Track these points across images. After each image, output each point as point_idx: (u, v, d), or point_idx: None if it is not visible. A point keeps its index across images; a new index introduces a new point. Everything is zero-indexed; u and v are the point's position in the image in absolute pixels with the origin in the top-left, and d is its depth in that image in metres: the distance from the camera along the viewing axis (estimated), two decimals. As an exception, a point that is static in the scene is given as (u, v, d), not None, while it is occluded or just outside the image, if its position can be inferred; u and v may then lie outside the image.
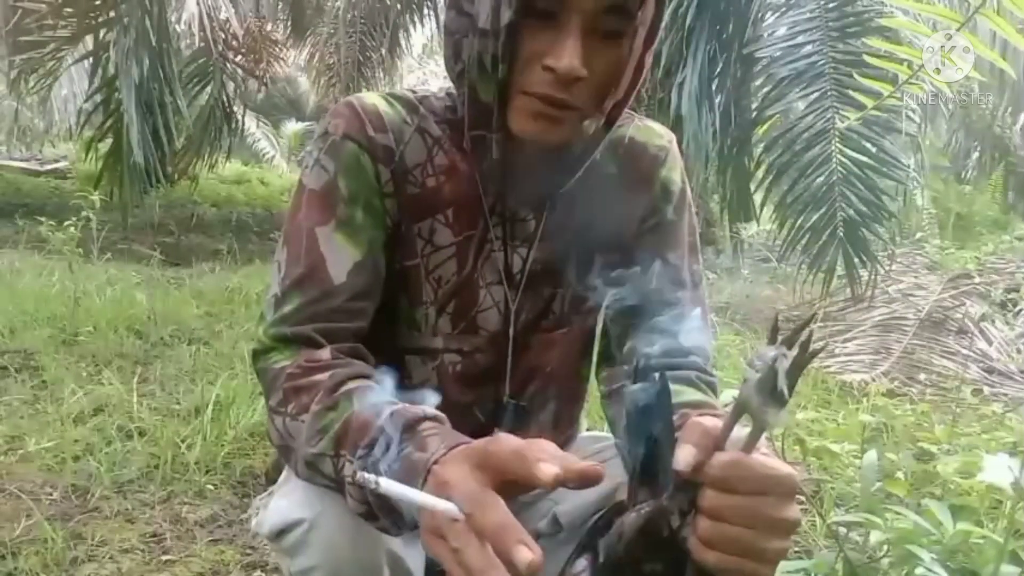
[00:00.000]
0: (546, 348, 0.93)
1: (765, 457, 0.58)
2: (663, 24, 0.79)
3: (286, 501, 0.80)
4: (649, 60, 0.80)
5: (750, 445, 0.56)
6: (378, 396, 0.72)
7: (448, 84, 0.86)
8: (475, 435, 0.65)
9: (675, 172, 0.94)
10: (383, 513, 0.66)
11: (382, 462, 0.64)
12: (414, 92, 0.89)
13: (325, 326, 0.79)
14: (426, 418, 0.67)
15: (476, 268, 0.88)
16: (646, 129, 0.94)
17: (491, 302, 0.89)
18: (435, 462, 0.60)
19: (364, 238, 0.83)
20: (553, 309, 0.92)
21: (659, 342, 0.88)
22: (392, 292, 0.87)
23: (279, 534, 0.79)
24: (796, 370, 0.51)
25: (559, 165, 0.84)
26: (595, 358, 1.00)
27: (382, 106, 0.85)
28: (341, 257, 0.81)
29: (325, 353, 0.77)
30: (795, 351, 0.51)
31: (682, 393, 0.84)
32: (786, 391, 0.51)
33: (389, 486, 0.53)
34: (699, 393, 0.85)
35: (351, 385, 0.73)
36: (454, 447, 0.61)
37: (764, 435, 0.58)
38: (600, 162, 0.86)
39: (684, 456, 0.57)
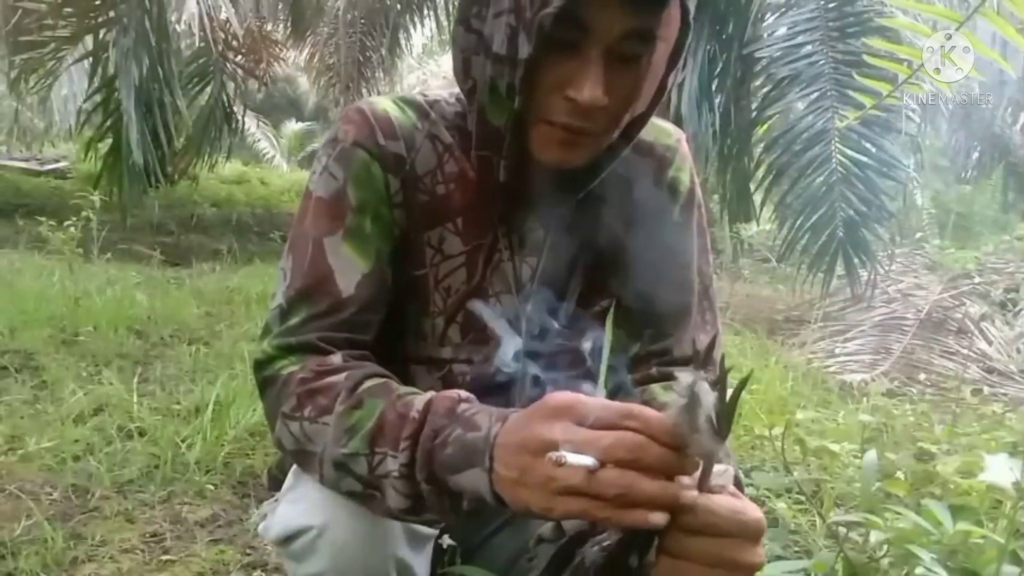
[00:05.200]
0: (556, 356, 0.91)
1: (735, 500, 0.58)
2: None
3: (294, 507, 0.79)
4: (673, 78, 0.79)
5: (704, 479, 0.57)
6: (402, 389, 0.72)
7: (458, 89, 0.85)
8: None
9: (683, 172, 0.92)
10: (438, 502, 0.66)
11: (435, 451, 0.65)
12: (425, 96, 0.88)
13: (332, 336, 0.78)
14: (460, 399, 0.68)
15: (485, 277, 0.86)
16: (654, 128, 0.92)
17: (501, 311, 0.88)
18: (496, 437, 0.61)
19: (372, 249, 0.81)
20: (562, 317, 0.91)
21: (661, 347, 0.89)
22: (399, 302, 0.86)
23: (287, 540, 0.79)
24: (727, 404, 0.52)
25: (571, 179, 0.83)
26: (604, 364, 1.00)
27: (393, 112, 0.83)
28: (349, 268, 0.80)
29: (336, 358, 0.76)
30: (716, 385, 0.53)
31: None
32: (713, 417, 0.52)
33: (572, 458, 0.54)
34: None
35: (371, 383, 0.72)
36: (504, 419, 0.63)
37: (731, 473, 0.58)
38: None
39: None
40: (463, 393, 0.69)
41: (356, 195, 0.81)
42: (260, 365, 0.80)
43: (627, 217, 0.89)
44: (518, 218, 0.86)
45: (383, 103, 0.84)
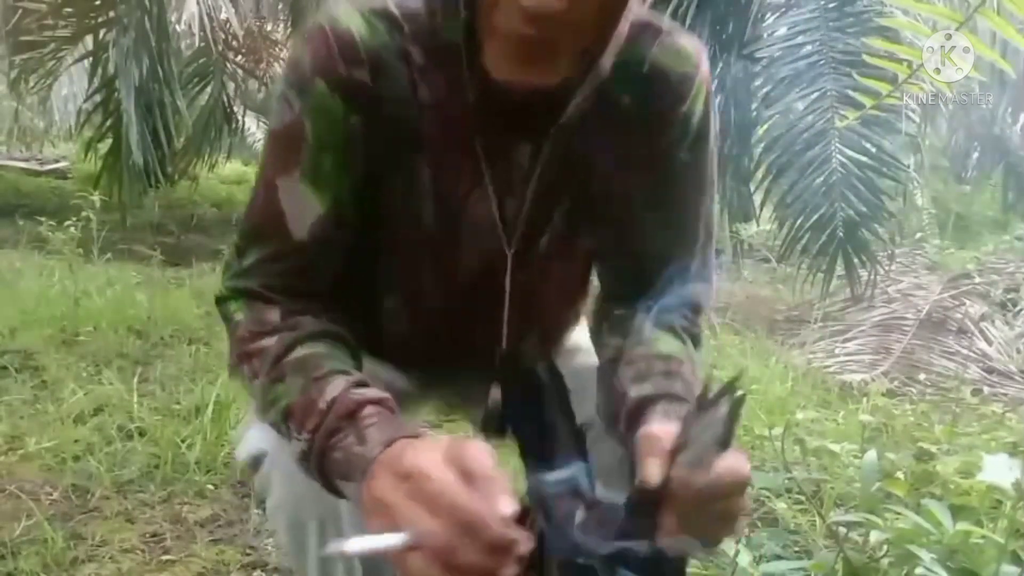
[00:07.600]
0: (540, 293, 0.87)
1: (729, 459, 0.58)
2: None
3: (254, 430, 0.82)
4: None
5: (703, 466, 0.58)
6: (325, 366, 0.71)
7: None
8: (469, 388, 0.70)
9: (698, 103, 0.80)
10: (329, 491, 0.68)
11: (327, 451, 0.66)
12: (400, 6, 0.75)
13: (278, 283, 0.77)
14: (368, 402, 0.66)
15: (464, 211, 0.80)
16: (671, 52, 0.79)
17: (484, 246, 0.81)
18: (373, 463, 0.60)
19: (331, 187, 0.76)
20: (549, 253, 0.84)
21: (650, 288, 0.79)
22: (371, 240, 0.82)
23: (253, 464, 0.82)
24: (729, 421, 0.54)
25: (552, 101, 0.74)
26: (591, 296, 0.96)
27: (359, 29, 0.73)
28: (303, 211, 0.75)
29: (274, 315, 0.75)
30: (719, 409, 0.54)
31: (657, 341, 0.79)
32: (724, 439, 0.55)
33: (354, 547, 0.54)
34: (675, 343, 0.80)
35: (298, 353, 0.72)
36: (391, 442, 0.61)
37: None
38: (609, 90, 0.75)
39: (652, 472, 0.59)
40: (374, 394, 0.67)
41: (313, 130, 0.74)
42: (218, 300, 0.81)
43: (624, 153, 0.79)
44: (499, 147, 0.77)
45: (349, 18, 0.74)
